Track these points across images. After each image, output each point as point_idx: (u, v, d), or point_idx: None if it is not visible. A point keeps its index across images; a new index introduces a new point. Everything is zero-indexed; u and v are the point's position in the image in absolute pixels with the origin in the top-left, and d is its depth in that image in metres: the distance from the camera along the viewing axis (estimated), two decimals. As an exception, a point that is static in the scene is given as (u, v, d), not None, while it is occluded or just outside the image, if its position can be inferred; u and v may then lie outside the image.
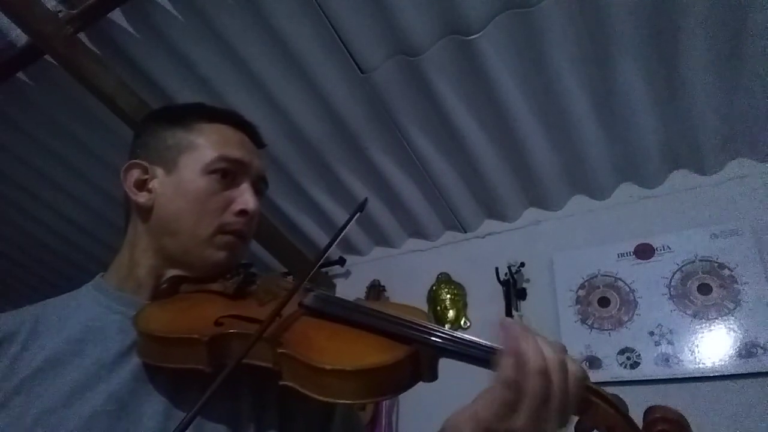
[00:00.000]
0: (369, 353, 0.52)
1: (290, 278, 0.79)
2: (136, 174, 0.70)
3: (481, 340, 0.54)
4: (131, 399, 0.58)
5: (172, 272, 0.69)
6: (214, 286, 0.67)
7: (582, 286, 1.75)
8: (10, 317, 0.63)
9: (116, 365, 0.60)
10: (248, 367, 0.54)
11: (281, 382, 0.53)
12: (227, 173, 0.69)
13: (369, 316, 0.56)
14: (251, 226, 0.72)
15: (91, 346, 0.61)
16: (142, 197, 0.69)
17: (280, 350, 0.52)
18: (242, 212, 0.69)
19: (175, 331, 0.57)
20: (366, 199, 0.78)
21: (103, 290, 0.68)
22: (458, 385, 1.98)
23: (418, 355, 0.52)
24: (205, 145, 0.69)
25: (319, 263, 0.64)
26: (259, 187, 0.74)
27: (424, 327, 0.53)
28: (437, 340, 0.52)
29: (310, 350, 0.52)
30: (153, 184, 0.69)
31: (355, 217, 0.71)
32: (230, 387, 0.61)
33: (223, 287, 0.66)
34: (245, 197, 0.69)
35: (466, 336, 0.52)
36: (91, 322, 0.63)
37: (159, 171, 0.70)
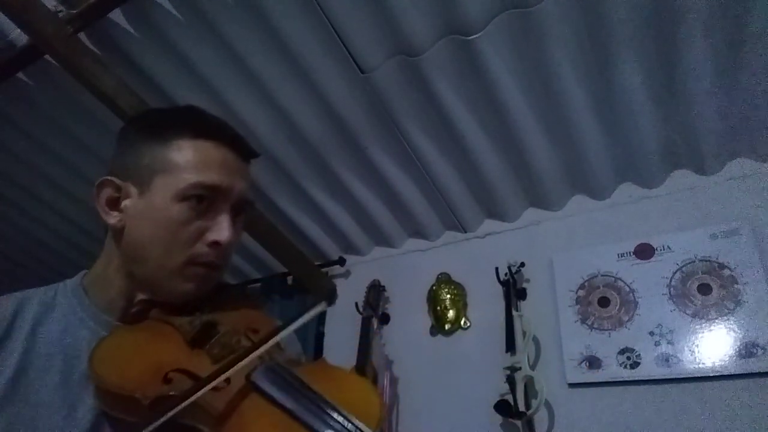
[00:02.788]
0: None
1: (256, 313, 0.76)
2: (108, 192, 0.66)
3: None
4: (93, 429, 0.58)
5: (141, 296, 0.66)
6: (177, 322, 0.64)
7: (582, 286, 1.75)
8: None
9: (82, 388, 0.59)
10: (189, 428, 0.53)
11: None
12: (203, 199, 0.64)
13: (311, 414, 0.53)
14: (225, 257, 0.68)
15: (60, 362, 0.60)
16: (113, 218, 0.66)
17: None
18: (215, 243, 0.64)
19: (120, 386, 0.55)
20: (334, 289, 0.74)
21: (80, 298, 0.66)
22: (459, 387, 1.98)
23: None
24: (182, 168, 0.64)
25: (271, 341, 0.61)
26: (241, 209, 0.69)
27: None
28: None
29: None
30: (125, 204, 0.66)
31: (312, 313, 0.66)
32: None
33: (183, 330, 0.63)
34: (220, 227, 0.65)
35: None
36: (62, 334, 0.62)
37: (132, 190, 0.65)
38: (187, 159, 0.64)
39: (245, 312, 0.71)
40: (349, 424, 0.52)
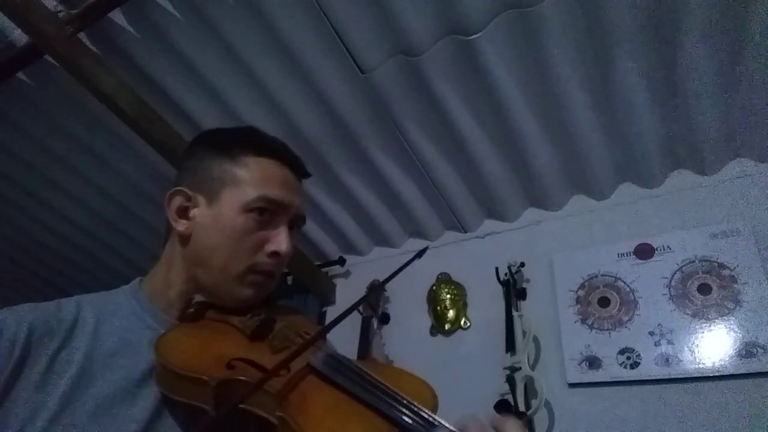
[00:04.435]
0: None
1: (304, 318, 0.81)
2: (179, 201, 0.72)
3: None
4: (154, 422, 0.60)
5: (198, 298, 0.71)
6: (236, 320, 0.68)
7: (582, 286, 1.75)
8: (51, 313, 0.63)
9: (143, 383, 0.62)
10: (253, 414, 0.55)
11: None
12: (266, 212, 0.70)
13: (371, 393, 0.56)
14: (282, 266, 0.73)
15: (122, 360, 0.63)
16: (182, 225, 0.71)
17: (278, 413, 0.53)
18: (275, 254, 0.70)
19: (187, 369, 0.58)
20: (426, 248, 0.79)
21: (140, 300, 0.70)
22: (459, 387, 1.97)
23: None
24: (248, 182, 0.70)
25: (334, 324, 0.65)
26: (297, 224, 0.76)
27: (425, 419, 0.53)
28: None
29: (306, 419, 0.52)
30: (194, 213, 0.71)
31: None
32: (238, 429, 0.61)
33: (243, 326, 0.67)
34: (280, 239, 0.70)
35: None
36: (124, 333, 0.66)
37: (201, 200, 0.71)
38: (254, 175, 0.71)
39: (293, 316, 0.76)
40: (409, 404, 0.54)
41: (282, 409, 0.53)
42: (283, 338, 0.66)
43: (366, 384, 0.57)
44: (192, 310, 0.70)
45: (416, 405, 0.54)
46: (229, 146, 0.73)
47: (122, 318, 0.67)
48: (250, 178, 0.70)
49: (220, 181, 0.70)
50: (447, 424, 0.52)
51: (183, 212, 0.71)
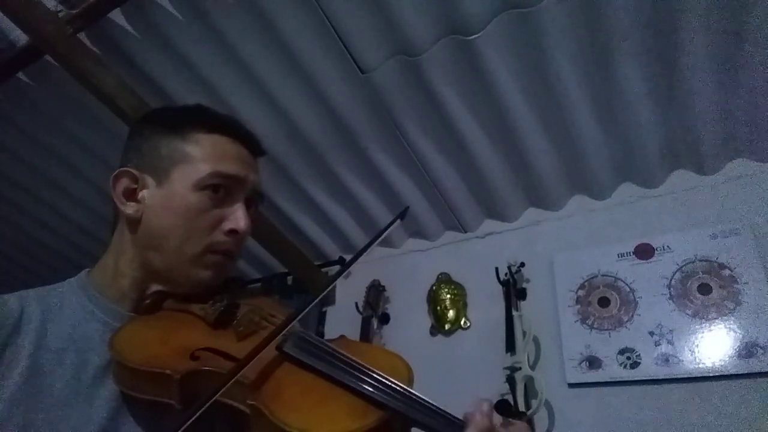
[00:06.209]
0: (338, 417, 0.51)
1: (270, 300, 0.78)
2: (125, 183, 0.67)
3: (455, 416, 0.52)
4: (114, 422, 0.57)
5: (155, 287, 0.67)
6: (197, 308, 0.65)
7: (582, 286, 1.75)
8: None
9: (97, 381, 0.59)
10: (221, 404, 0.53)
11: None
12: (220, 188, 0.67)
13: (346, 373, 0.55)
14: (240, 246, 0.70)
15: (73, 356, 0.59)
16: (130, 208, 0.67)
17: (250, 401, 0.52)
18: (232, 232, 0.67)
19: (147, 363, 0.55)
20: (407, 208, 0.77)
21: (88, 293, 0.66)
22: (459, 387, 1.97)
23: (389, 423, 0.51)
24: (200, 159, 0.66)
25: (305, 310, 0.62)
26: (254, 202, 0.73)
27: (401, 393, 0.52)
28: (412, 410, 0.51)
29: (280, 406, 0.51)
30: (142, 194, 0.67)
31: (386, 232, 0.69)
32: (205, 423, 0.59)
33: (205, 313, 0.64)
34: (237, 216, 0.67)
35: (441, 409, 0.51)
36: (73, 328, 0.61)
37: (150, 181, 0.67)
38: (205, 151, 0.67)
39: (260, 299, 0.73)
40: (384, 380, 0.54)
41: (254, 398, 0.51)
42: (249, 323, 0.63)
43: (340, 364, 0.56)
44: (149, 301, 0.66)
45: (393, 381, 0.53)
46: (178, 124, 0.69)
47: (71, 312, 0.63)
48: (201, 155, 0.67)
49: (170, 160, 0.67)
50: (423, 397, 0.52)
51: (130, 194, 0.67)
